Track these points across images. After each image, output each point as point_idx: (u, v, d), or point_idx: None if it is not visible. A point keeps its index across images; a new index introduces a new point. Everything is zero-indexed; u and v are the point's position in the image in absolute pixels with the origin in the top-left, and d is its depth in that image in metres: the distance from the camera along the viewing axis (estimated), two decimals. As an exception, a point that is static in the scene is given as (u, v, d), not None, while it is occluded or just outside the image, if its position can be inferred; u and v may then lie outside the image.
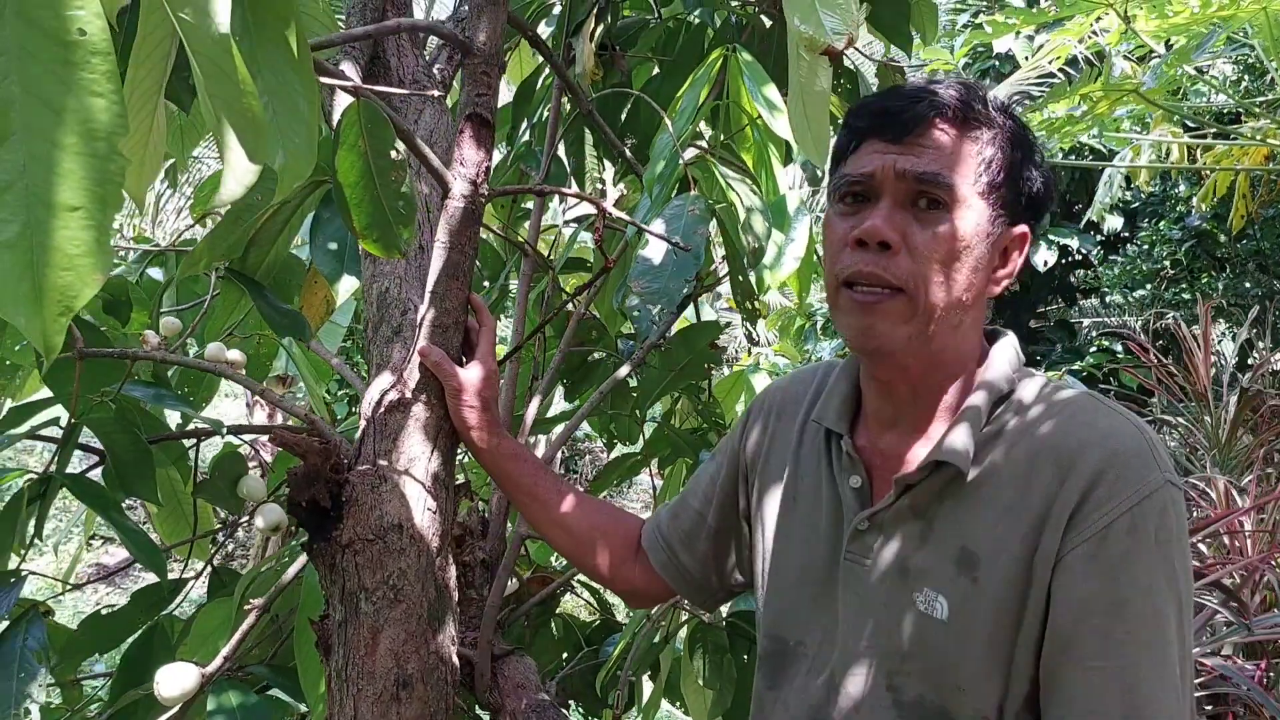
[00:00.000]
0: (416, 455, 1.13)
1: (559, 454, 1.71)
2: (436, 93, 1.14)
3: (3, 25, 0.55)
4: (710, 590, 1.24)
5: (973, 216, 0.93)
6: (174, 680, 1.17)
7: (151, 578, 1.40)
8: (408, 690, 1.05)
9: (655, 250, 1.39)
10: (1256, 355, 6.05)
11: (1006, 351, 1.01)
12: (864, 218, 0.94)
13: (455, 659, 1.13)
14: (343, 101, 1.09)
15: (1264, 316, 6.54)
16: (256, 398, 4.99)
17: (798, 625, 1.04)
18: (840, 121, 1.05)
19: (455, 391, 1.17)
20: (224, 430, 1.42)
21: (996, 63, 7.98)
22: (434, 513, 1.13)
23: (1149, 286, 7.49)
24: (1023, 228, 0.98)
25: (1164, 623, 0.85)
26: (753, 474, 1.16)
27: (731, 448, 1.21)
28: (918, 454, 0.98)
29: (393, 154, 1.01)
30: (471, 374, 1.19)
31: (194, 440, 1.56)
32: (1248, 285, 7.18)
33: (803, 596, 1.04)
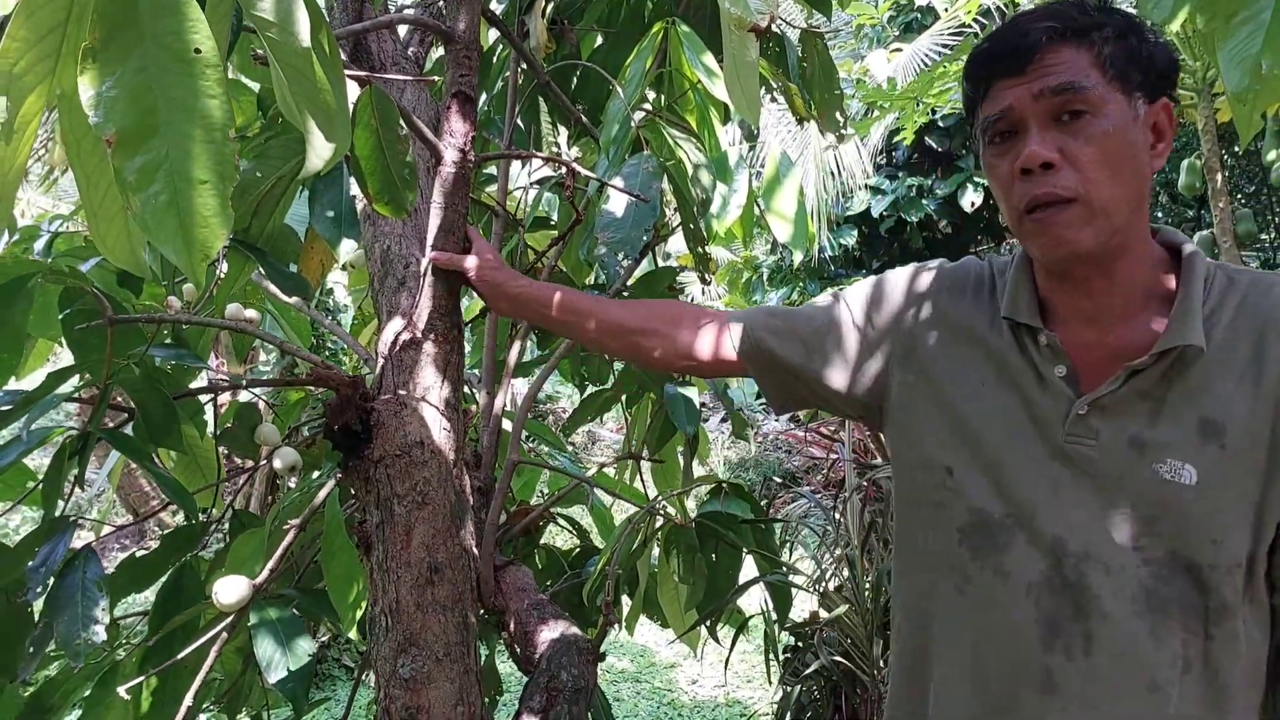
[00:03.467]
0: (430, 384, 1.33)
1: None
2: (438, 79, 1.33)
3: (144, 49, 0.74)
4: (786, 393, 1.29)
5: (1115, 110, 0.99)
6: (231, 589, 1.36)
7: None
8: (439, 575, 1.26)
9: (617, 204, 1.58)
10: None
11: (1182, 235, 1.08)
12: (1019, 149, 1.01)
13: (475, 550, 1.34)
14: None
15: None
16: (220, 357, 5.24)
17: (1009, 500, 1.07)
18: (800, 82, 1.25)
19: (473, 266, 1.35)
20: (244, 383, 1.60)
21: (919, 15, 8.19)
22: (448, 431, 1.34)
23: (1068, 221, 7.81)
24: (1163, 100, 1.03)
25: None
26: (916, 344, 1.18)
27: (871, 315, 1.23)
28: (1132, 341, 1.04)
29: (398, 129, 1.20)
30: (477, 251, 1.38)
31: (211, 395, 1.73)
32: (1159, 215, 7.55)
33: (1014, 475, 1.07)
